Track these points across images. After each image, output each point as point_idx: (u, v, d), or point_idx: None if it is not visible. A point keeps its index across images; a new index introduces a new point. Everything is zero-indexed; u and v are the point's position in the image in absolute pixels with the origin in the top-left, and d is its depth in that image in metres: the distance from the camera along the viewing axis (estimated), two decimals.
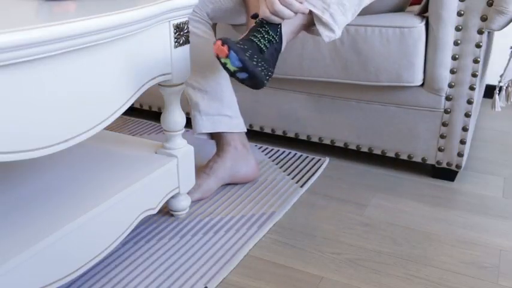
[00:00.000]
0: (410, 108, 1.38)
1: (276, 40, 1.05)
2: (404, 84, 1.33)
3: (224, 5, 1.30)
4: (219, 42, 0.94)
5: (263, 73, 0.99)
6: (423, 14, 1.34)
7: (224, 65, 0.97)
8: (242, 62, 0.95)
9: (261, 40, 1.02)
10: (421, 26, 1.28)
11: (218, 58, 0.96)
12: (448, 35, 1.27)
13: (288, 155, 1.58)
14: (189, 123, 1.34)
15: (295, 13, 1.02)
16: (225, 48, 0.94)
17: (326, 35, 1.07)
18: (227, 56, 0.94)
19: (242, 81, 1.00)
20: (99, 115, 0.89)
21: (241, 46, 0.96)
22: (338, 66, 1.38)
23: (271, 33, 1.04)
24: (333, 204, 1.30)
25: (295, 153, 1.59)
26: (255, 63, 0.97)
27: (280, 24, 1.05)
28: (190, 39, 1.21)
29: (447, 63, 1.30)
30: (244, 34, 1.05)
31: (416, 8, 1.37)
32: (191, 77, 1.26)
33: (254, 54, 0.98)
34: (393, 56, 1.31)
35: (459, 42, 1.27)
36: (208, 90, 1.28)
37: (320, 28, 1.06)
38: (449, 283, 1.01)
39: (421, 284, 1.01)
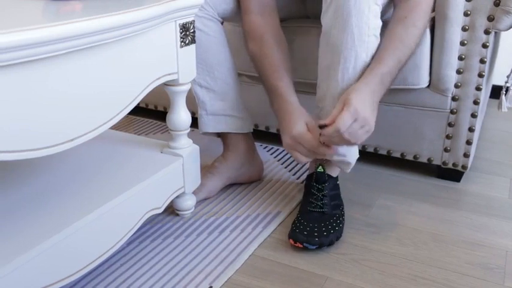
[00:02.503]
0: (416, 108, 1.38)
1: (325, 184, 1.19)
2: (410, 87, 1.32)
3: (237, 7, 1.30)
4: (292, 242, 1.10)
5: (336, 231, 1.13)
6: None
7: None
8: (318, 244, 1.09)
9: (317, 203, 1.17)
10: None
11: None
12: (454, 35, 1.27)
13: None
14: (194, 123, 1.34)
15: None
16: (298, 244, 1.09)
17: (344, 169, 1.20)
18: (304, 247, 1.09)
19: None
20: (104, 114, 0.89)
21: (308, 229, 1.11)
22: None
23: (319, 183, 1.19)
24: None
25: None
26: (325, 234, 1.11)
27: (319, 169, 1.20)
28: (199, 37, 1.22)
29: (453, 63, 1.29)
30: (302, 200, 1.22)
31: None
32: (199, 75, 1.26)
33: (322, 225, 1.12)
34: None
35: (466, 42, 1.27)
36: (216, 89, 1.28)
37: (340, 167, 1.20)
38: (455, 284, 1.00)
39: (426, 285, 1.00)
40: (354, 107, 1.00)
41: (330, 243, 1.11)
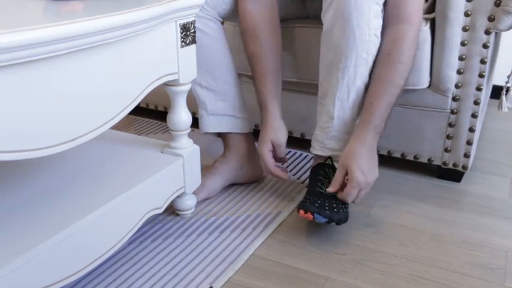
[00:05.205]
0: (416, 108, 1.38)
1: (333, 172, 1.18)
2: (410, 87, 1.32)
3: (236, 7, 1.30)
4: (302, 212, 1.09)
5: (345, 212, 1.12)
6: (427, 14, 1.33)
7: (313, 220, 1.10)
8: (328, 218, 1.09)
9: (324, 187, 1.15)
10: (426, 28, 1.27)
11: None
12: (455, 35, 1.26)
13: (293, 155, 1.58)
14: (195, 123, 1.34)
15: None
16: (309, 215, 1.08)
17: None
18: (313, 219, 1.08)
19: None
20: (105, 114, 0.89)
21: (319, 202, 1.10)
22: None
23: (327, 171, 1.19)
24: None
25: (301, 153, 1.59)
26: (335, 211, 1.10)
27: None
28: (200, 37, 1.22)
29: (454, 63, 1.29)
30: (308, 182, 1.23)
31: None
32: (199, 76, 1.26)
33: (332, 202, 1.12)
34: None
35: (466, 42, 1.27)
36: (216, 89, 1.29)
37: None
38: (455, 284, 1.00)
39: (426, 285, 1.00)
40: (357, 180, 1.08)
41: (339, 222, 1.10)
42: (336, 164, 1.19)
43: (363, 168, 1.09)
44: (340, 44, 1.08)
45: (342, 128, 1.16)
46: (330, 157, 1.21)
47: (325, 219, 1.08)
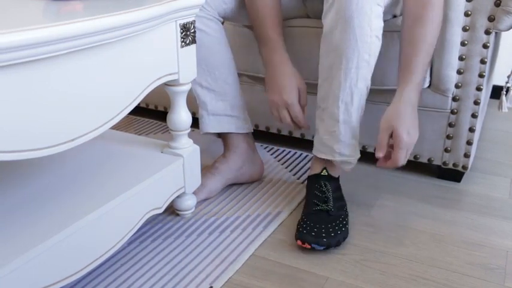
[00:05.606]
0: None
1: (329, 185, 1.19)
2: None
3: (237, 7, 1.30)
4: (300, 242, 1.09)
5: (343, 232, 1.13)
6: None
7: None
8: (326, 245, 1.09)
9: (322, 204, 1.16)
10: None
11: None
12: (455, 35, 1.26)
13: (293, 155, 1.58)
14: (195, 123, 1.34)
15: None
16: (306, 245, 1.09)
17: (346, 168, 1.20)
18: (312, 248, 1.09)
19: None
20: (105, 114, 0.89)
21: (315, 230, 1.10)
22: None
23: (322, 185, 1.19)
24: None
25: (301, 153, 1.59)
26: (333, 235, 1.10)
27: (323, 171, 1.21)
28: (200, 37, 1.22)
29: (454, 63, 1.29)
30: (305, 201, 1.21)
31: None
32: (200, 76, 1.26)
33: (329, 226, 1.12)
34: (398, 60, 1.30)
35: (466, 42, 1.27)
36: (217, 89, 1.28)
37: (342, 166, 1.20)
38: (455, 284, 1.00)
39: (426, 285, 1.00)
40: (404, 141, 1.08)
41: (337, 244, 1.11)
42: (331, 174, 1.20)
43: (408, 128, 1.08)
44: (341, 45, 1.08)
45: (348, 133, 1.15)
46: (325, 167, 1.20)
47: (323, 247, 1.09)
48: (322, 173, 1.20)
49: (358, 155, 1.18)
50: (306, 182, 1.26)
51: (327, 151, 1.18)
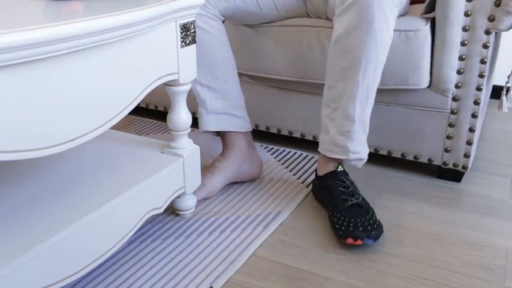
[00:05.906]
0: (416, 108, 1.38)
1: (350, 179, 1.21)
2: (410, 87, 1.32)
3: (237, 4, 1.30)
4: (351, 240, 1.08)
5: (379, 222, 1.13)
6: (427, 13, 1.33)
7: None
8: (374, 238, 1.09)
9: (351, 198, 1.16)
10: (426, 28, 1.27)
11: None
12: (455, 35, 1.26)
13: (293, 155, 1.58)
14: (195, 123, 1.34)
15: None
16: (359, 241, 1.08)
17: (358, 164, 1.21)
18: (363, 243, 1.09)
19: None
20: (105, 114, 0.89)
21: (359, 225, 1.09)
22: None
23: (344, 180, 1.20)
24: None
25: (301, 153, 1.59)
26: (375, 226, 1.10)
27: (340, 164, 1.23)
28: (201, 35, 1.22)
29: (454, 63, 1.29)
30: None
31: (420, 7, 1.36)
32: (200, 74, 1.26)
33: (367, 218, 1.11)
34: (399, 60, 1.30)
35: (466, 42, 1.27)
36: (217, 88, 1.29)
37: (356, 164, 1.21)
38: (455, 284, 1.00)
39: (426, 285, 1.00)
40: None
41: (380, 235, 1.10)
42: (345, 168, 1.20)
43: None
44: (360, 47, 1.07)
45: (361, 130, 1.16)
46: (340, 163, 1.21)
47: (372, 240, 1.09)
48: (338, 169, 1.21)
49: (368, 150, 1.20)
50: (315, 182, 1.26)
51: (340, 151, 1.18)
